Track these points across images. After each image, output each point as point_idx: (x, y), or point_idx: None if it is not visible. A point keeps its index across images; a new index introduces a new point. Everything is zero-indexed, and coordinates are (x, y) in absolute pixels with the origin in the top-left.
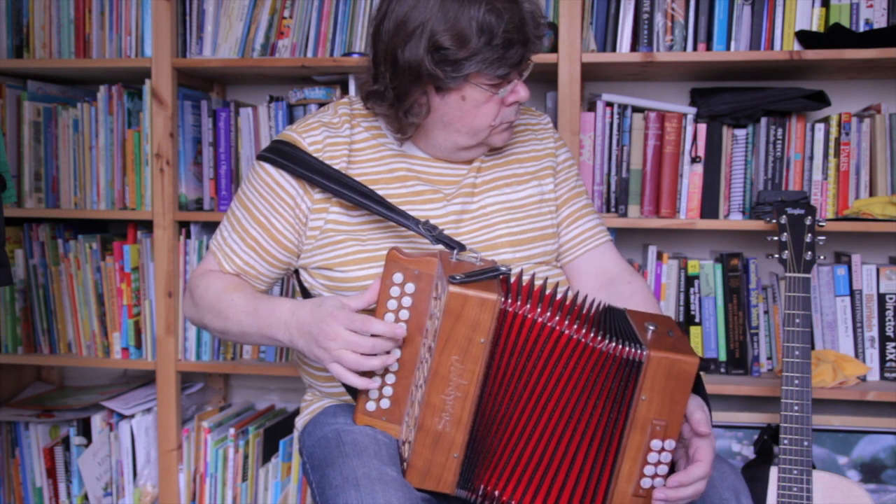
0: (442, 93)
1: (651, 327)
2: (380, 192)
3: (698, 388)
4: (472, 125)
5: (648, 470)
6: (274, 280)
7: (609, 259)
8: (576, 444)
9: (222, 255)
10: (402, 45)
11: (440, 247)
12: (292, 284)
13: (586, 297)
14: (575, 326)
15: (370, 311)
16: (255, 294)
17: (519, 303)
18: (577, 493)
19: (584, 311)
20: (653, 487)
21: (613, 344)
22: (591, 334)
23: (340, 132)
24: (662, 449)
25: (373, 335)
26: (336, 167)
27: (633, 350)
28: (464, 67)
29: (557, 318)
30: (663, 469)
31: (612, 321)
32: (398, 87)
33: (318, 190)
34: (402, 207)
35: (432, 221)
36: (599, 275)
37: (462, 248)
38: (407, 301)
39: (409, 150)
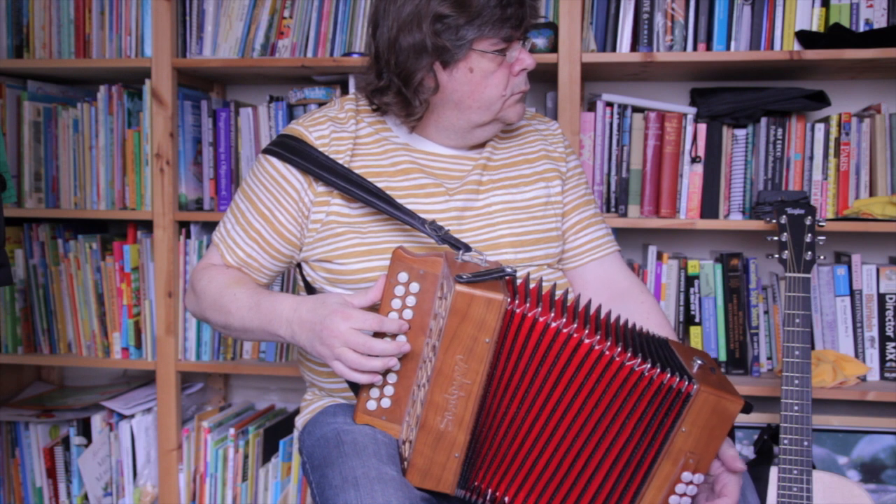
0: (449, 68)
1: (698, 361)
2: (382, 185)
3: None
4: (484, 98)
5: (673, 500)
6: (276, 273)
7: (617, 271)
8: (598, 460)
9: (225, 248)
10: (404, 30)
11: (445, 246)
12: (293, 279)
13: (600, 306)
14: (604, 340)
15: (374, 309)
16: (258, 289)
17: (527, 304)
18: None
19: (601, 318)
20: None
21: (659, 370)
22: (629, 355)
23: (346, 127)
24: (691, 482)
25: (375, 334)
26: (340, 161)
27: (683, 381)
28: (467, 33)
29: (564, 320)
30: (686, 501)
31: (653, 347)
32: (403, 70)
33: (322, 184)
34: (404, 200)
35: (434, 216)
36: (607, 286)
37: (468, 248)
38: (411, 300)
39: (417, 143)
